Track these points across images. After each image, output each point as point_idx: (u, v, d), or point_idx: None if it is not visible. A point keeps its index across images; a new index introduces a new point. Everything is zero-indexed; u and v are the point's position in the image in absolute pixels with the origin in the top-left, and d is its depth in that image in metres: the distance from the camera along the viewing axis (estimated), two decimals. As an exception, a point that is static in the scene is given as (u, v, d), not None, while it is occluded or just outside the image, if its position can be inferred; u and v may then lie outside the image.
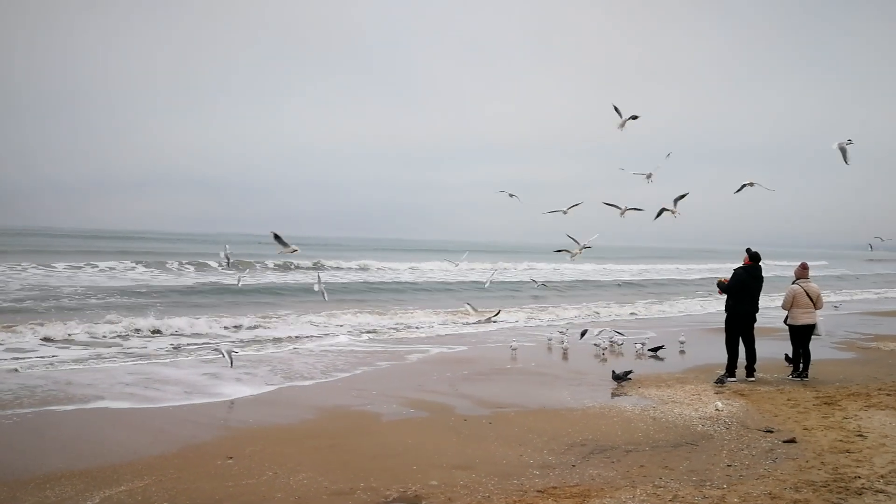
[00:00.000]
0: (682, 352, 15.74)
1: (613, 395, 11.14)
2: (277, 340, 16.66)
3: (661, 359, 14.84)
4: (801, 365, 12.69)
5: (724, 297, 12.93)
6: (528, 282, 29.00)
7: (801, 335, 12.72)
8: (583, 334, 16.02)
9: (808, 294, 12.68)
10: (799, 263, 13.38)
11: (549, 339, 16.71)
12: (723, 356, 12.84)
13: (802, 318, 12.67)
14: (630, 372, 12.40)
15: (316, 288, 14.56)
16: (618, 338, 16.29)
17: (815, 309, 12.74)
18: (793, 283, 12.96)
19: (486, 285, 25.88)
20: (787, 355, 13.48)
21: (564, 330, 16.72)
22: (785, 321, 12.97)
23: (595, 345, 15.65)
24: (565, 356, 14.98)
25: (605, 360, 14.69)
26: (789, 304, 12.77)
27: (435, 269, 44.89)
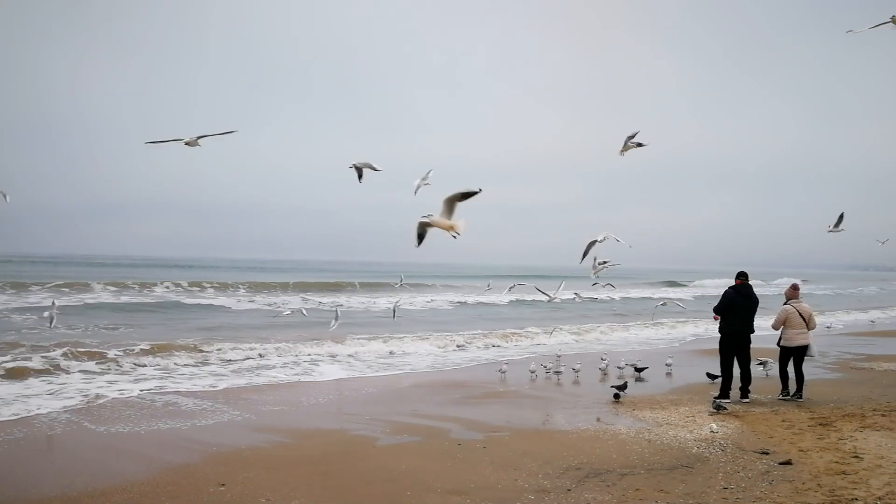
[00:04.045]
0: (668, 374, 15.70)
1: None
2: (266, 367, 16.47)
3: (645, 380, 14.76)
4: (797, 385, 12.66)
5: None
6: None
7: (795, 356, 12.73)
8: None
9: (800, 314, 12.71)
10: (790, 284, 13.47)
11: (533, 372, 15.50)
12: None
13: (798, 339, 12.68)
14: (625, 385, 12.53)
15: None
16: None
17: (809, 329, 12.77)
18: (784, 304, 12.99)
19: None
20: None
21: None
22: (778, 343, 12.98)
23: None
24: (559, 380, 14.89)
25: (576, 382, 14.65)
26: (780, 324, 12.80)
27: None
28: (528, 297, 39.77)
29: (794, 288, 13.27)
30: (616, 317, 32.64)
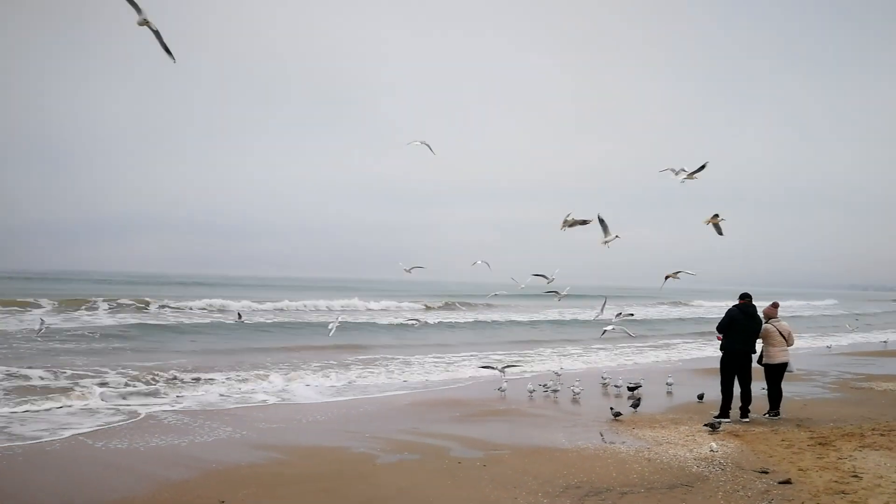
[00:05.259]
0: (669, 392, 15.69)
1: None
2: (265, 379, 16.47)
3: (639, 398, 14.57)
4: (774, 402, 12.90)
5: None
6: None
7: (776, 373, 12.89)
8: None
9: (780, 332, 12.87)
10: (770, 303, 13.59)
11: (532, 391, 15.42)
12: (716, 395, 12.84)
13: (779, 357, 12.90)
14: (638, 402, 13.09)
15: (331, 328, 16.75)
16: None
17: (788, 346, 12.93)
18: (764, 322, 13.07)
19: None
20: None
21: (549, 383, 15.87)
22: (759, 361, 13.06)
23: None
24: (556, 399, 14.89)
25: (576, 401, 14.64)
26: (762, 342, 13.00)
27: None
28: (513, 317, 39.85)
29: (774, 306, 13.45)
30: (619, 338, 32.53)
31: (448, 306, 50.10)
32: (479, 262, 15.19)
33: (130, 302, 37.86)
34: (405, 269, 16.05)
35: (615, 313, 16.20)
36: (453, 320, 38.56)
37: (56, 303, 35.46)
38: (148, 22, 7.42)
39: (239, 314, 22.05)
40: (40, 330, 19.99)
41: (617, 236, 11.54)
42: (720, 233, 11.70)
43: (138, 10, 7.38)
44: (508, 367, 15.94)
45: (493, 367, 15.92)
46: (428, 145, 13.24)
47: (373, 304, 46.78)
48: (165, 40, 7.53)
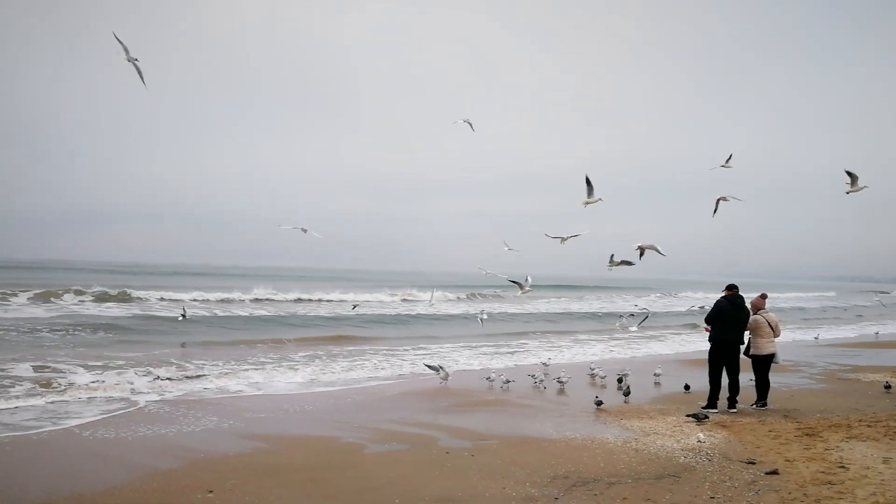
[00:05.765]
0: (657, 383, 15.74)
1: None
2: (253, 369, 16.45)
3: (628, 386, 14.60)
4: (760, 393, 12.98)
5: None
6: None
7: (763, 364, 12.98)
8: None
9: (769, 323, 12.94)
10: (758, 294, 13.65)
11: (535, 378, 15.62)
12: (702, 386, 12.89)
13: (767, 348, 12.98)
14: (628, 391, 13.35)
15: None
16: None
17: (775, 337, 13.05)
18: (752, 313, 13.14)
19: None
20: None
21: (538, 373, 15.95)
22: (746, 353, 13.12)
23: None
24: (544, 388, 14.91)
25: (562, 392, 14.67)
26: (750, 333, 13.11)
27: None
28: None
29: (763, 297, 13.52)
30: (608, 329, 32.66)
31: (472, 297, 50.80)
32: (507, 248, 15.18)
33: (115, 292, 37.69)
34: (282, 226, 15.71)
35: (621, 313, 16.37)
36: (447, 311, 38.64)
37: (41, 289, 35.23)
38: (136, 60, 8.37)
39: (183, 312, 23.64)
40: (183, 317, 23.85)
41: (658, 247, 11.91)
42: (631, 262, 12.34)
43: (126, 51, 8.32)
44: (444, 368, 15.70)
45: (436, 368, 15.65)
46: (470, 123, 14.41)
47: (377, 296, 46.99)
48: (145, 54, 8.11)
